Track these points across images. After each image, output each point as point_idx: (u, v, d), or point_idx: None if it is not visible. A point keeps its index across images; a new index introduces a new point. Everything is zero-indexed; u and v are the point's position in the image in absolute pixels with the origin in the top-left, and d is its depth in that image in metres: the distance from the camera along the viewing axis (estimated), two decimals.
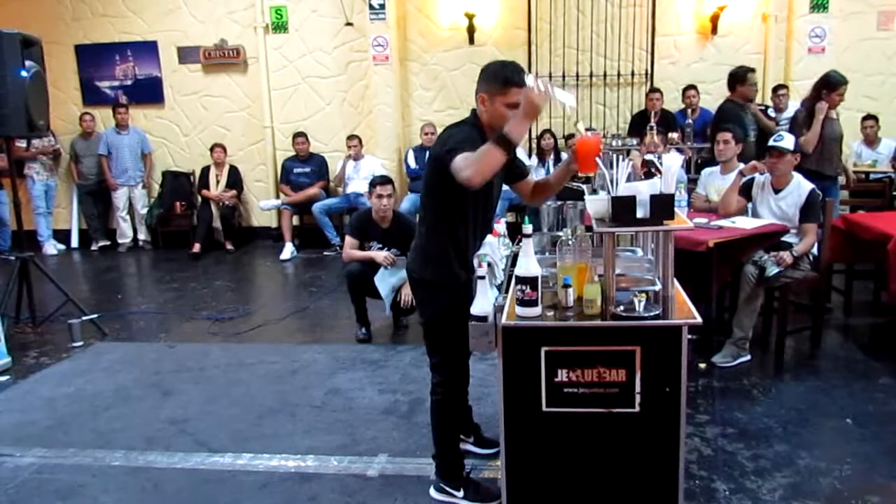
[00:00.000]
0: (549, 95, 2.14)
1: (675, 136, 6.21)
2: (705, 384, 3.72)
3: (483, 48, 7.69)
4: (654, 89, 7.14)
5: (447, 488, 2.73)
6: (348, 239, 4.69)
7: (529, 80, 2.19)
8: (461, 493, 2.71)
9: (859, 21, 7.22)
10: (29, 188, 7.76)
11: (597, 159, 2.33)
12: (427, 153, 7.29)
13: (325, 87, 8.03)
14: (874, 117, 6.86)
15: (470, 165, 2.17)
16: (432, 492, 2.77)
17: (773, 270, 3.85)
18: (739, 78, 5.70)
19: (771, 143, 4.17)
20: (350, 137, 7.49)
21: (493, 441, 2.98)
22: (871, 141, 6.88)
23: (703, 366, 3.92)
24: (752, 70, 5.80)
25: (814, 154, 5.01)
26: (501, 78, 2.37)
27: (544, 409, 2.21)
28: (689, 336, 2.17)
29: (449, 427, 2.75)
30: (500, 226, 2.87)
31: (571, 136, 7.28)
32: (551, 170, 6.84)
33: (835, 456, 2.97)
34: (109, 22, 8.18)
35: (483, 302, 2.23)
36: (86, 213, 8.23)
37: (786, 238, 4.07)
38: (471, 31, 7.59)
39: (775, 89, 6.82)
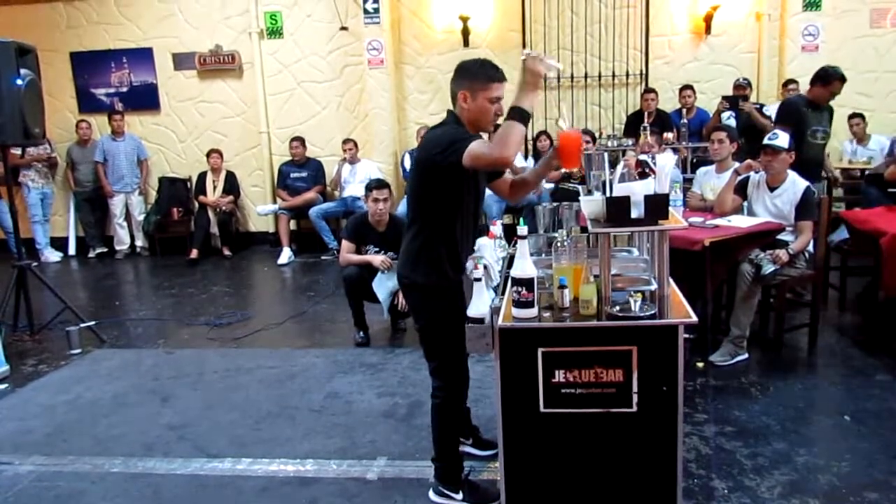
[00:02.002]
0: (545, 61, 2.25)
1: (670, 135, 6.23)
2: (703, 383, 3.73)
3: (477, 51, 7.70)
4: (648, 89, 7.16)
5: (446, 491, 2.73)
6: (345, 243, 4.69)
7: (524, 52, 2.30)
8: (460, 496, 2.71)
9: (852, 19, 7.25)
10: (25, 196, 7.75)
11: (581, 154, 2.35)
12: None
13: (320, 92, 8.04)
14: (860, 115, 6.89)
15: (499, 144, 2.23)
16: (431, 495, 2.77)
17: (769, 268, 3.86)
18: (825, 79, 5.07)
19: (766, 141, 4.18)
20: (345, 141, 7.51)
21: (491, 443, 2.99)
22: (860, 138, 6.93)
23: (700, 365, 3.93)
24: (843, 79, 5.11)
25: None
26: (484, 75, 2.44)
27: (542, 410, 2.21)
28: (686, 335, 2.18)
29: (449, 430, 2.74)
30: (497, 228, 2.88)
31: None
32: None
33: (833, 453, 2.97)
34: (104, 29, 8.19)
35: (479, 304, 2.23)
36: (83, 220, 8.23)
37: (782, 236, 4.08)
38: (465, 33, 7.61)
39: (785, 84, 6.86)
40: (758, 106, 6.52)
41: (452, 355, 2.60)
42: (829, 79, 5.06)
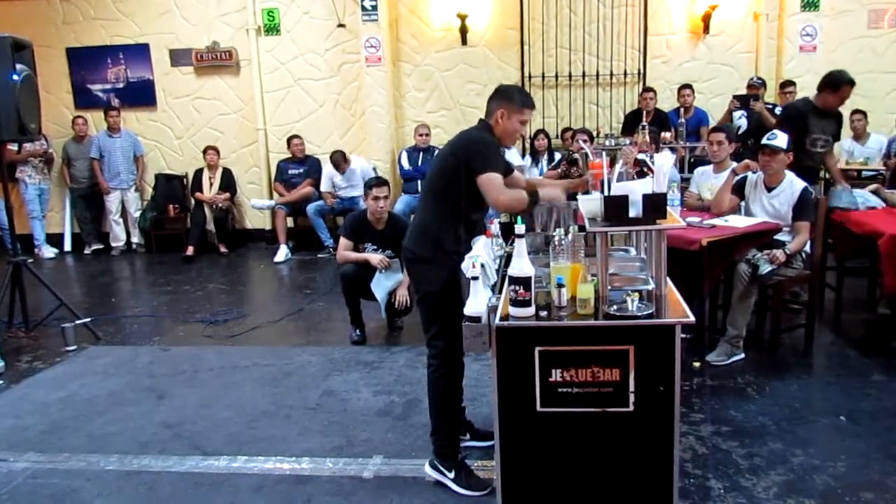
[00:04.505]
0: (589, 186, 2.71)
1: (667, 135, 6.22)
2: (699, 383, 3.73)
3: (475, 49, 7.71)
4: (646, 88, 7.15)
5: (440, 467, 2.80)
6: (343, 240, 4.67)
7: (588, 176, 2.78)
8: (452, 475, 2.77)
9: (850, 19, 7.27)
10: (22, 192, 7.73)
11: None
12: (422, 153, 7.30)
13: (317, 89, 8.02)
14: (861, 111, 6.89)
15: (503, 197, 2.65)
16: (426, 468, 2.83)
17: (766, 269, 3.86)
18: (833, 84, 4.75)
19: (764, 141, 4.18)
20: (333, 154, 7.32)
21: (489, 433, 2.99)
22: (859, 136, 6.94)
23: (697, 364, 3.93)
24: (852, 83, 4.78)
25: None
26: (521, 101, 2.78)
27: (539, 409, 2.21)
28: (683, 335, 2.18)
29: (444, 402, 2.80)
30: (494, 226, 2.89)
31: (568, 129, 7.30)
32: (545, 169, 6.85)
33: (829, 453, 2.98)
34: (101, 25, 8.15)
35: (477, 302, 2.22)
36: (79, 216, 8.20)
37: (779, 236, 4.08)
38: (463, 31, 7.60)
39: (782, 86, 6.86)
40: (770, 106, 6.50)
41: (449, 322, 2.66)
42: (838, 84, 4.78)
